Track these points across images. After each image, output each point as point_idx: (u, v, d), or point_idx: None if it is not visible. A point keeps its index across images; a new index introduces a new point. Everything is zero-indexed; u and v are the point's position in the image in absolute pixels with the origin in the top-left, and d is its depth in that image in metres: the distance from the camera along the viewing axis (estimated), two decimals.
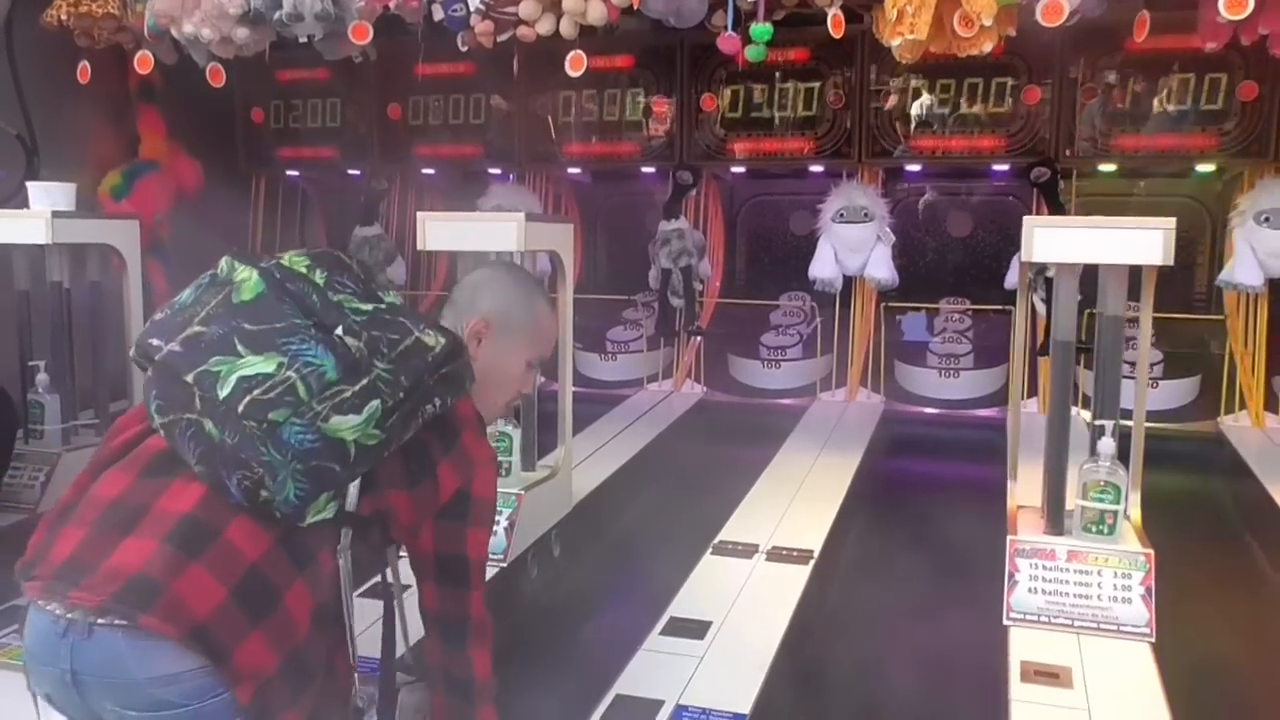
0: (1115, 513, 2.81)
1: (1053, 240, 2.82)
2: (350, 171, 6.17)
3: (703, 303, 5.85)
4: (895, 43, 3.59)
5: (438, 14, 4.19)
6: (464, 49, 4.27)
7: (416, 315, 1.66)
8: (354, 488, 1.57)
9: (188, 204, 5.62)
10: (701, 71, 5.40)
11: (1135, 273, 2.90)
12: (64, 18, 4.50)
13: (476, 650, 1.75)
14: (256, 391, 1.44)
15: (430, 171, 6.14)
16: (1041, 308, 4.80)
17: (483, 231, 3.22)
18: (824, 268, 5.11)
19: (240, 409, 1.44)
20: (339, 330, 1.52)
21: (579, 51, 4.11)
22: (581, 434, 4.61)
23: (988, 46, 3.64)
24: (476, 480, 1.70)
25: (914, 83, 5.13)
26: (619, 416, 5.03)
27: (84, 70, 4.65)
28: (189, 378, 1.48)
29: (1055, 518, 2.93)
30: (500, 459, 3.30)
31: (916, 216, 6.19)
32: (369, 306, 1.60)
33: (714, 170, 5.75)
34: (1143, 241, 2.72)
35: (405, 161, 5.98)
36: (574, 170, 5.93)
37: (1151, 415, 4.70)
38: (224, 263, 1.62)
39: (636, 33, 5.54)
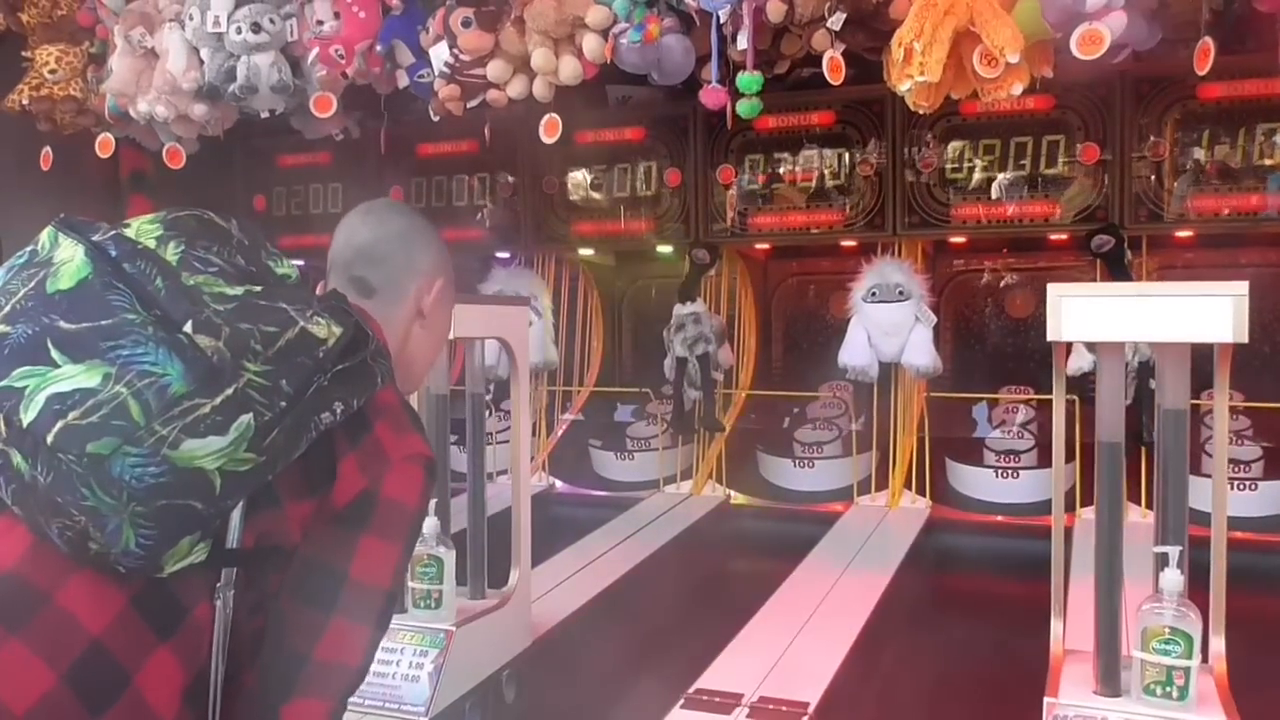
0: (1186, 670, 2.13)
1: (1088, 314, 2.20)
2: None
3: (729, 395, 5.28)
4: (904, 87, 3.05)
5: (402, 80, 3.81)
6: (435, 118, 3.88)
7: (305, 295, 1.24)
8: (236, 514, 1.18)
9: None
10: (718, 141, 4.92)
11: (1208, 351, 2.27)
12: (25, 102, 4.25)
13: (299, 707, 1.24)
14: (73, 415, 1.08)
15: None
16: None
17: None
18: (856, 354, 4.51)
19: (50, 439, 1.07)
20: (188, 326, 1.12)
21: (553, 115, 3.69)
22: (574, 546, 4.08)
23: (1017, 89, 3.09)
24: (389, 478, 1.28)
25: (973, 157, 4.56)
26: (623, 525, 4.45)
27: (46, 157, 4.40)
28: None
29: (1108, 673, 2.25)
30: (429, 587, 2.77)
31: (971, 296, 5.58)
32: (238, 290, 1.19)
33: (739, 248, 5.24)
34: (1205, 313, 2.09)
35: None
36: (585, 250, 5.47)
37: (1249, 523, 4.04)
38: (46, 234, 1.22)
39: (648, 102, 5.14)
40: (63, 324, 1.12)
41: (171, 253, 1.19)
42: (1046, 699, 2.23)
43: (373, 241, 1.50)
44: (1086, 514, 4.20)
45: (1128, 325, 2.19)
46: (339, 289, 1.46)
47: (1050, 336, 2.25)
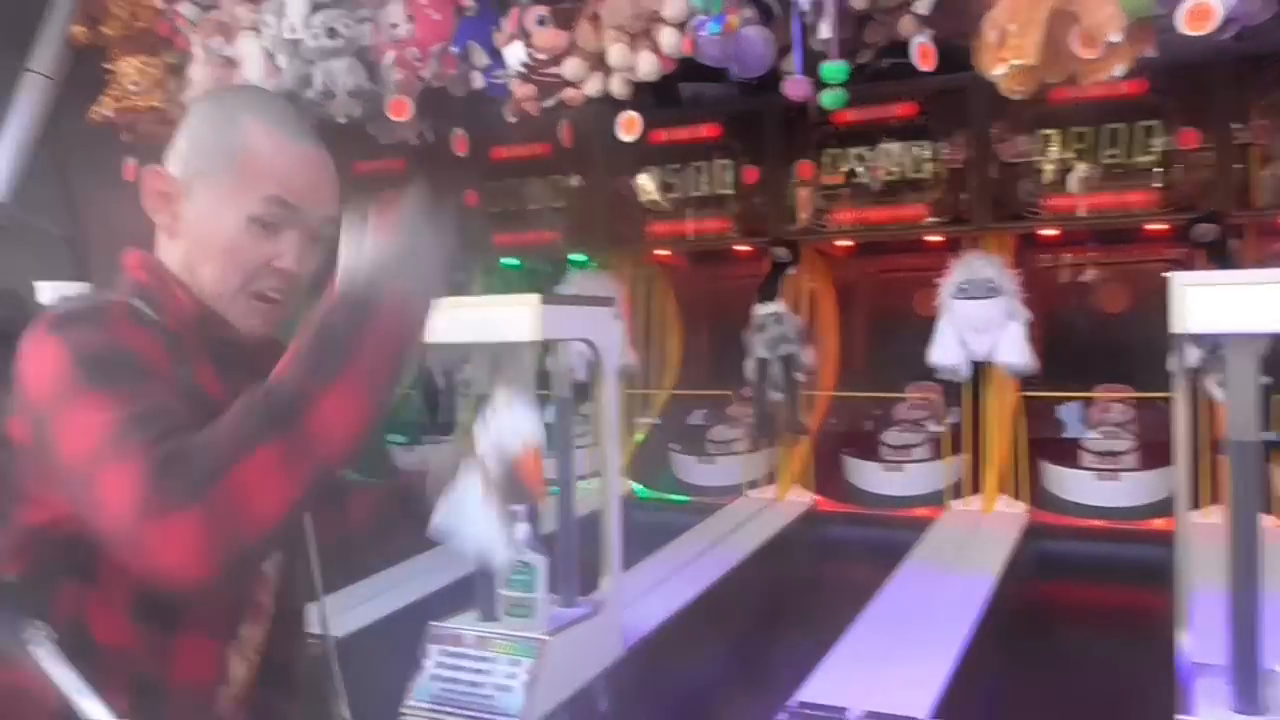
0: None
1: (1215, 304, 2.06)
2: None
3: (814, 397, 5.15)
4: (999, 71, 2.93)
5: (478, 81, 3.75)
6: (512, 119, 3.82)
7: None
8: None
9: None
10: (796, 136, 4.80)
11: None
12: (109, 113, 4.29)
13: None
14: None
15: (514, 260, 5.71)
16: (1219, 393, 3.91)
17: (492, 320, 2.68)
18: (946, 353, 4.36)
19: None
20: None
21: (633, 113, 3.59)
22: (659, 552, 4.00)
23: (1119, 70, 2.94)
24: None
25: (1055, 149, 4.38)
26: (707, 531, 4.35)
27: (129, 168, 4.42)
28: None
29: (1246, 691, 2.09)
30: (522, 595, 2.70)
31: (1063, 291, 5.38)
32: None
33: (818, 245, 5.11)
34: None
35: (483, 250, 5.56)
36: (661, 252, 5.39)
37: None
38: None
39: (722, 99, 5.04)
40: None
41: None
42: (1178, 717, 2.09)
43: None
44: (1193, 517, 4.01)
45: (1261, 316, 2.03)
46: None
47: (1174, 329, 2.11)
